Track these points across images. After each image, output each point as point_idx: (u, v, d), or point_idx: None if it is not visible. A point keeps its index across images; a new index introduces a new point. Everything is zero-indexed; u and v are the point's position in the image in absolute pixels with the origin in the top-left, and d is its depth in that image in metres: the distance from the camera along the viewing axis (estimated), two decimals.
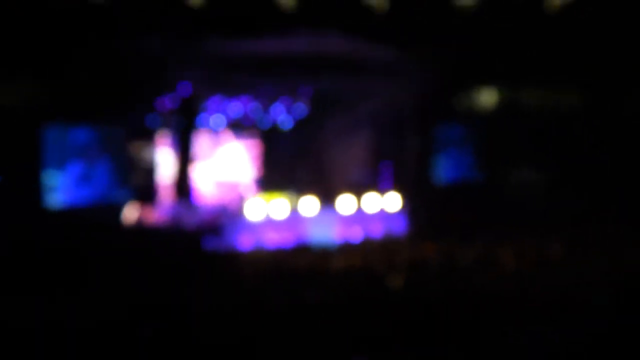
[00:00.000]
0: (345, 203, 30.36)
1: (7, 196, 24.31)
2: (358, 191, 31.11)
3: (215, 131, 32.36)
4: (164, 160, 29.87)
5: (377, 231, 29.98)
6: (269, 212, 29.50)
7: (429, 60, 29.08)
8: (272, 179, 33.33)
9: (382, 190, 31.61)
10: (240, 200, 31.93)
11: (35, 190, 25.36)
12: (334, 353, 12.33)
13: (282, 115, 32.85)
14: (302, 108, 32.79)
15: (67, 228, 24.38)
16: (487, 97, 32.62)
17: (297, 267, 23.23)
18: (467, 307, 16.34)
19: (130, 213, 28.36)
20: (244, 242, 27.98)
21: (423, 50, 28.52)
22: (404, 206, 30.98)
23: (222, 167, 33.03)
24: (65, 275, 19.29)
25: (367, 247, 27.63)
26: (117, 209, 27.26)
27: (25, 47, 24.21)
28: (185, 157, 29.45)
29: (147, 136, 29.29)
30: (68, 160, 26.04)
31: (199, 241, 27.11)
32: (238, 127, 32.75)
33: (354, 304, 17.13)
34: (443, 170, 32.14)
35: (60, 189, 25.96)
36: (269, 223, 29.15)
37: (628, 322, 13.17)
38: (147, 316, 13.55)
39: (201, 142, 31.92)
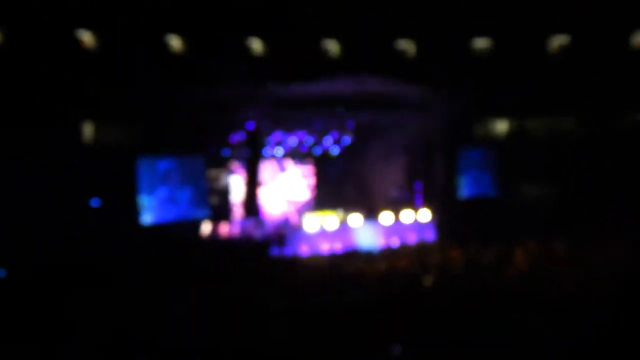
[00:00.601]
0: (385, 216, 30.48)
1: (110, 216, 24.45)
2: (395, 206, 31.28)
3: (277, 159, 32.61)
4: (235, 184, 30.10)
5: (412, 239, 29.98)
6: (322, 225, 29.63)
7: (452, 95, 28.86)
8: (324, 197, 33.52)
9: (415, 205, 31.73)
10: (299, 216, 32.28)
11: (132, 210, 25.46)
12: (375, 343, 12.13)
13: (331, 145, 32.97)
14: (347, 138, 32.76)
15: (157, 241, 24.63)
16: (500, 126, 32.23)
17: (347, 269, 23.43)
18: (487, 300, 16.35)
19: (208, 228, 28.49)
20: (303, 250, 28.03)
21: (447, 87, 28.21)
22: (433, 218, 31.03)
23: (284, 189, 33.23)
24: (158, 279, 19.44)
25: (403, 252, 27.58)
26: (197, 225, 27.36)
27: (121, 94, 24.48)
28: (253, 181, 29.57)
29: (222, 164, 29.46)
30: (157, 185, 26.16)
31: (266, 250, 27.28)
32: (296, 155, 32.97)
33: (393, 300, 17.20)
34: (465, 187, 31.66)
35: (150, 209, 26.06)
36: (323, 234, 29.23)
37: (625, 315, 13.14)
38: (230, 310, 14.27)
39: (266, 169, 32.06)
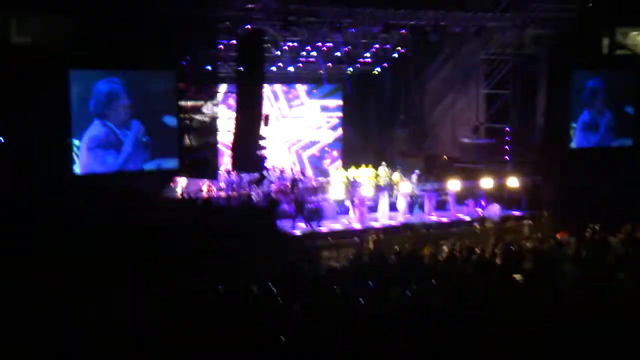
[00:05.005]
0: (453, 177, 28.89)
1: (22, 161, 22.93)
2: (468, 161, 29.99)
3: (287, 82, 31.73)
4: (224, 119, 27.84)
5: (493, 211, 28.34)
6: (356, 187, 28.36)
7: None
8: (360, 143, 33.15)
9: (499, 161, 29.94)
10: (321, 171, 32.23)
11: (58, 154, 23.81)
12: None
13: (372, 60, 31.38)
14: (397, 51, 31.24)
15: (91, 200, 22.85)
16: None
17: (401, 251, 22.19)
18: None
19: (176, 186, 26.93)
20: (326, 223, 26.62)
21: None
22: (530, 179, 29.20)
23: (298, 129, 32.97)
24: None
25: (479, 232, 26.51)
26: (158, 180, 25.37)
27: None
28: (251, 115, 26.84)
29: (203, 87, 27.03)
30: (95, 118, 24.07)
31: (271, 221, 25.77)
32: (317, 76, 31.31)
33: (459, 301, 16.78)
34: (582, 133, 30.29)
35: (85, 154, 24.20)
36: (358, 200, 27.47)
37: None
38: None
39: (272, 98, 31.41)
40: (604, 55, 30.59)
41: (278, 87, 31.81)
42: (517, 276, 19.12)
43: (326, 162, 32.88)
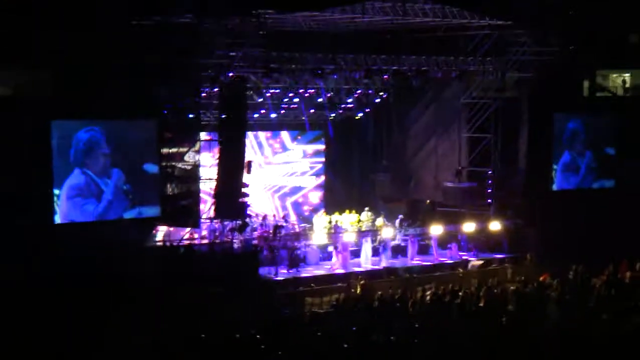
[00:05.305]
0: (436, 221, 28.91)
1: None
2: (450, 205, 30.04)
3: (270, 128, 31.56)
4: (207, 167, 27.62)
5: (475, 253, 28.71)
6: (340, 232, 28.20)
7: (544, 31, 27.69)
8: (342, 190, 32.95)
9: (481, 204, 30.02)
10: (304, 218, 31.93)
11: (40, 203, 23.81)
12: None
13: (355, 105, 31.31)
14: (380, 96, 31.20)
15: (72, 248, 22.79)
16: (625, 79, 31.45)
17: (381, 297, 22.27)
18: None
19: (158, 233, 26.71)
20: (309, 269, 26.68)
21: (536, 18, 26.94)
22: (512, 223, 29.30)
23: (281, 175, 32.51)
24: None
25: (461, 275, 26.56)
26: (140, 228, 25.13)
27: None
28: (234, 162, 26.84)
29: (186, 135, 26.97)
30: (76, 166, 23.89)
31: (254, 267, 25.68)
32: (299, 123, 31.42)
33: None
34: (564, 175, 30.33)
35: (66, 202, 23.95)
36: (341, 246, 27.40)
37: None
38: None
39: (255, 145, 31.20)
40: (585, 97, 30.81)
41: (261, 134, 31.73)
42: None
43: (309, 208, 32.75)
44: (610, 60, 30.58)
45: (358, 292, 24.04)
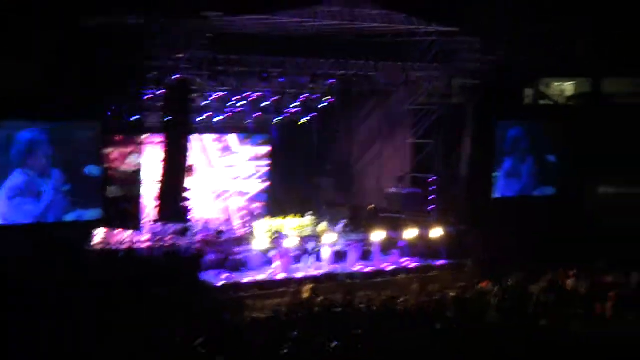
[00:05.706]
0: (379, 227, 28.73)
1: None
2: (393, 211, 30.18)
3: (215, 131, 31.33)
4: (149, 169, 27.48)
5: (414, 260, 28.60)
6: (283, 238, 28.14)
7: (488, 38, 27.96)
8: (285, 194, 32.66)
9: (424, 211, 30.25)
10: (246, 222, 31.38)
11: None
12: None
13: (299, 109, 31.32)
14: (325, 100, 31.25)
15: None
16: (566, 89, 32.03)
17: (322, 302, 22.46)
18: None
19: (99, 236, 26.52)
20: (250, 274, 26.32)
21: (481, 26, 27.35)
22: (454, 229, 29.40)
23: (224, 178, 32.25)
24: None
25: (400, 282, 26.68)
26: (81, 230, 25.07)
27: None
28: (177, 164, 26.78)
29: (129, 137, 26.87)
30: (14, 168, 23.84)
31: (194, 271, 25.33)
32: (244, 125, 31.39)
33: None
34: (506, 182, 30.64)
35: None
36: (283, 251, 27.35)
37: None
38: None
39: (198, 146, 30.57)
40: (527, 105, 31.31)
41: (207, 137, 31.50)
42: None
43: (253, 212, 32.46)
44: (552, 69, 30.94)
45: (305, 297, 24.08)
